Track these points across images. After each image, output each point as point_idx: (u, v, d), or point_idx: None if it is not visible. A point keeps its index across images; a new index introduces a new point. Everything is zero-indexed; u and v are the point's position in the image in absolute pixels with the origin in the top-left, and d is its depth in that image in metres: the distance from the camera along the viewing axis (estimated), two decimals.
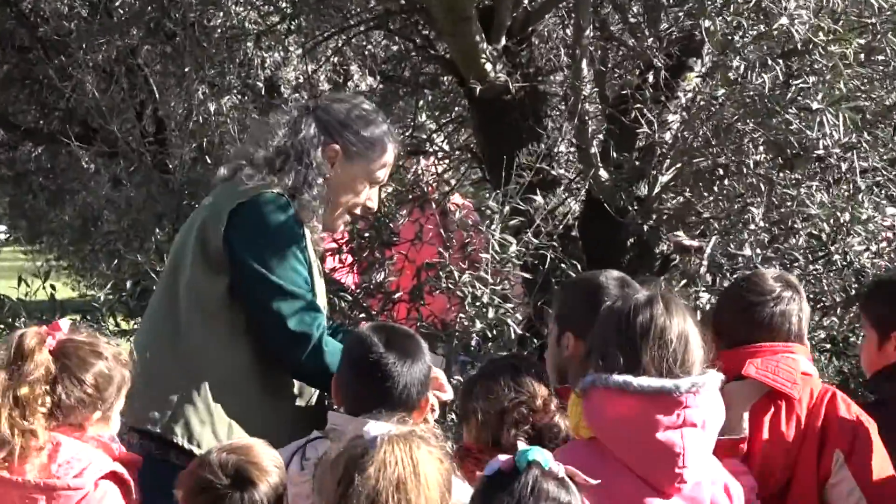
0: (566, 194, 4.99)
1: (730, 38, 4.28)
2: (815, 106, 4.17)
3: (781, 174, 4.52)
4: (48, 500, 2.91)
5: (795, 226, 4.57)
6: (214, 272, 3.50)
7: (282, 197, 3.53)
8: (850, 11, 4.30)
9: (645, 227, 4.76)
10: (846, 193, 4.50)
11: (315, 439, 3.17)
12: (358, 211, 3.74)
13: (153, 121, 7.17)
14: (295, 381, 3.56)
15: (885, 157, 4.59)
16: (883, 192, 4.58)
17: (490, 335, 4.24)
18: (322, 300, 3.68)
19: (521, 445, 2.44)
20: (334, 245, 4.82)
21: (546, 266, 4.43)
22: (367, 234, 4.80)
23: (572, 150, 5.08)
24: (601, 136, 4.99)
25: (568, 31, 5.02)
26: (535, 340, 4.32)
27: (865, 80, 4.47)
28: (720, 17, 4.20)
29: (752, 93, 4.31)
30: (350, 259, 4.88)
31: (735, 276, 4.27)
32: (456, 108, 5.74)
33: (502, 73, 4.74)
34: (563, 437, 3.15)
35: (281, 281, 3.46)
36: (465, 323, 4.24)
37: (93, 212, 7.01)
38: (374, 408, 2.99)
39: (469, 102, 5.07)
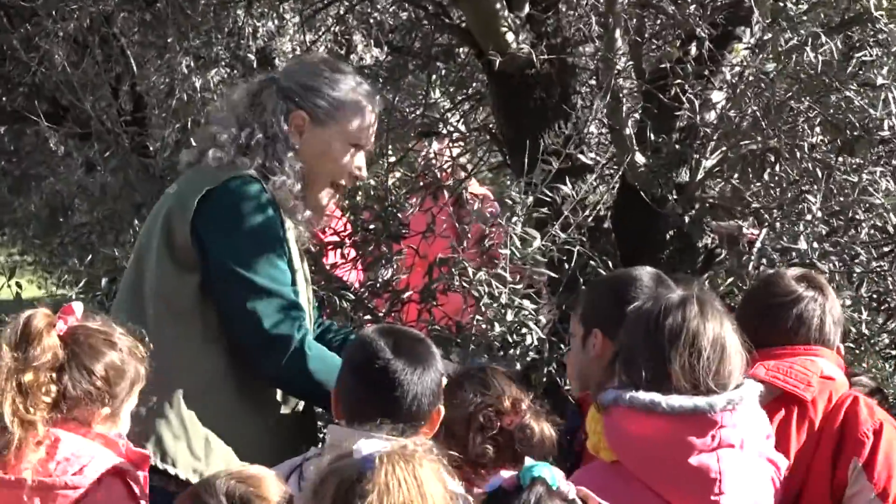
0: (597, 182, 5.00)
1: (782, 4, 4.29)
2: (878, 81, 4.17)
3: (841, 158, 4.52)
4: (43, 501, 2.92)
5: (857, 217, 4.57)
6: (183, 269, 3.53)
7: (255, 180, 3.55)
8: None
9: (686, 219, 4.77)
10: None
11: (313, 457, 3.18)
12: (344, 182, 3.75)
13: (131, 98, 7.19)
14: None
15: None
16: None
17: (510, 340, 4.25)
18: (306, 297, 3.68)
19: (528, 461, 2.43)
20: (335, 238, 4.84)
21: (574, 263, 4.44)
22: (372, 226, 4.82)
23: (604, 131, 5.10)
24: (637, 116, 5.00)
25: None
26: (562, 346, 4.33)
27: None
28: None
29: (807, 67, 4.32)
30: (353, 254, 4.89)
31: None
32: (473, 84, 5.75)
33: (525, 43, 4.75)
34: (538, 441, 3.17)
35: (257, 277, 3.48)
36: (483, 326, 4.25)
37: (63, 200, 7.04)
38: (383, 417, 3.00)
39: (488, 77, 5.07)
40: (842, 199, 4.55)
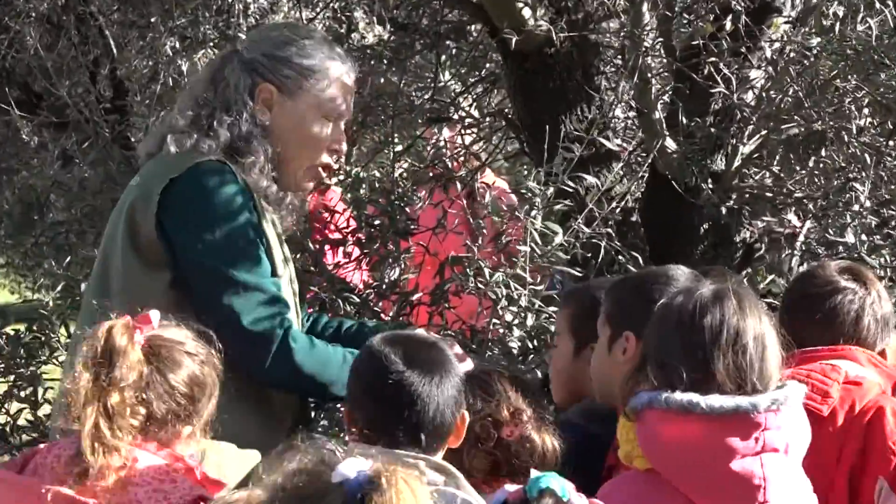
0: (624, 171, 5.02)
1: None
2: None
3: (892, 143, 4.54)
4: None
5: None
6: (151, 267, 3.56)
7: (222, 164, 3.58)
8: None
9: (722, 210, 4.80)
10: None
11: None
12: (324, 158, 3.79)
13: (111, 83, 7.20)
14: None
15: None
16: None
17: (530, 346, 4.27)
18: (289, 286, 3.72)
19: (534, 472, 2.43)
20: (337, 235, 4.86)
21: (599, 260, 4.46)
22: (377, 222, 4.83)
23: (631, 115, 5.12)
24: (667, 98, 5.02)
25: None
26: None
27: None
28: None
29: (854, 41, 4.34)
30: (357, 252, 4.92)
31: None
32: (486, 65, 5.78)
33: (544, 20, 4.77)
34: (539, 455, 3.21)
35: (232, 270, 3.52)
36: (500, 331, 4.26)
37: (37, 196, 7.06)
38: (405, 436, 3.04)
39: (502, 57, 5.10)
40: (892, 187, 4.57)
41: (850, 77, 4.48)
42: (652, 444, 2.85)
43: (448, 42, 5.67)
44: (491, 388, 3.35)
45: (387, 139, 5.34)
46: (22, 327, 5.22)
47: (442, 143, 5.60)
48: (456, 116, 5.69)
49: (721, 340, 2.87)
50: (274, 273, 3.62)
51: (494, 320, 4.24)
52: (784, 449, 2.86)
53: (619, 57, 5.02)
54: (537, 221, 4.24)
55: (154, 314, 3.06)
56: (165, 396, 2.99)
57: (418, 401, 3.09)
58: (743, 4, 4.54)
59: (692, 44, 4.69)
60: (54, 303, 5.27)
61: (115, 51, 6.59)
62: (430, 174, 5.11)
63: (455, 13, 5.57)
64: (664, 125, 4.78)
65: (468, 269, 4.26)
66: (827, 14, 4.41)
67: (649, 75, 4.84)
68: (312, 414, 4.20)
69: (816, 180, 4.75)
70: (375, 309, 4.76)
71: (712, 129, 4.76)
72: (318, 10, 6.30)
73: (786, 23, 4.77)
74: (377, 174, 5.27)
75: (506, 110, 5.64)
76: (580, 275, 4.37)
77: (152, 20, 5.87)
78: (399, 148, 5.46)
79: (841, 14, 4.36)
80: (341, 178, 5.08)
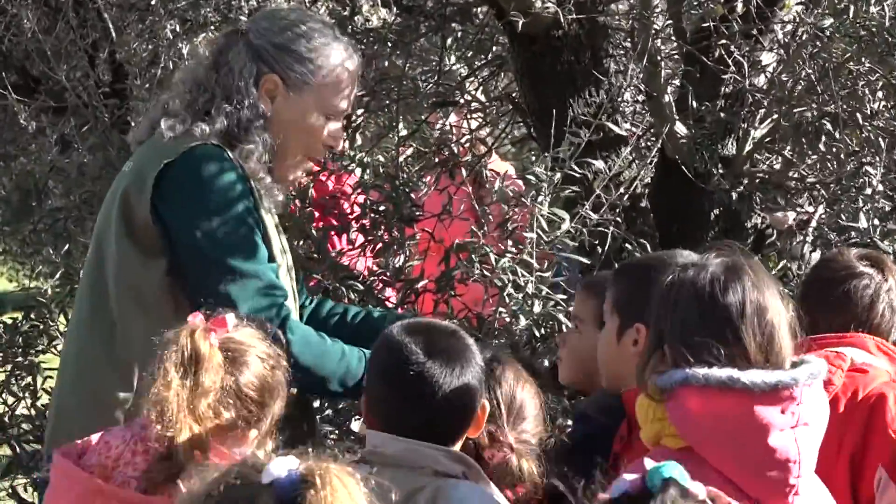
0: (633, 155, 5.02)
1: None
2: None
3: None
4: None
5: None
6: (147, 254, 3.55)
7: (218, 148, 3.58)
8: None
9: (733, 195, 4.80)
10: None
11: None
12: (318, 153, 3.82)
13: (110, 67, 7.21)
14: None
15: None
16: None
17: (537, 334, 4.28)
18: (287, 273, 3.73)
19: (648, 462, 2.38)
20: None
21: (607, 247, 4.47)
22: (382, 208, 4.84)
23: (640, 99, 5.13)
24: (677, 82, 5.03)
25: None
26: None
27: None
28: None
29: (867, 24, 4.34)
30: (361, 239, 4.93)
31: None
32: (493, 48, 5.78)
33: (551, 1, 4.76)
34: (516, 480, 3.21)
35: (229, 257, 3.52)
36: (507, 319, 4.27)
37: (35, 182, 7.07)
38: (425, 427, 3.05)
39: (509, 40, 5.11)
40: None
41: (863, 59, 4.50)
42: (688, 421, 2.84)
43: (454, 25, 5.65)
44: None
45: (391, 124, 5.34)
46: (20, 315, 5.22)
47: (448, 128, 5.60)
48: (462, 100, 5.69)
49: (745, 317, 2.86)
50: (271, 258, 3.63)
51: (501, 308, 4.24)
52: (814, 423, 2.87)
53: (629, 39, 5.03)
54: (544, 207, 4.24)
55: (230, 318, 3.07)
56: (236, 400, 3.01)
57: (439, 392, 3.09)
58: None
59: (703, 26, 4.70)
60: (53, 291, 5.27)
61: (114, 34, 6.59)
62: (436, 160, 5.11)
63: None
64: (674, 109, 4.79)
65: (474, 256, 4.26)
66: None
67: (659, 58, 4.84)
68: (316, 403, 4.22)
69: (829, 165, 4.76)
70: (380, 297, 4.76)
71: (723, 114, 4.77)
72: None
73: (798, 4, 4.76)
74: (381, 159, 5.28)
75: (512, 94, 5.65)
76: (587, 262, 4.38)
77: (152, 3, 5.86)
78: (404, 133, 5.46)
79: None
80: (345, 163, 5.09)
